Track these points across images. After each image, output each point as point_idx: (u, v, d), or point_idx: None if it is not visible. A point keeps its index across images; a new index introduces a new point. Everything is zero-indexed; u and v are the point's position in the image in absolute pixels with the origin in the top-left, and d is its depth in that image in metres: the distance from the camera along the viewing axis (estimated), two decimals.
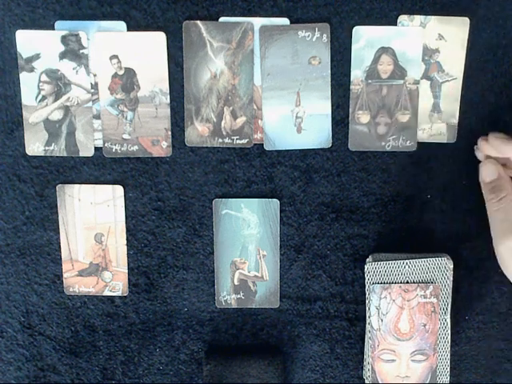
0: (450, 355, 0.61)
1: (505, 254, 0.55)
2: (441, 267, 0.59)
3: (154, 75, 0.61)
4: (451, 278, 0.59)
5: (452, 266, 0.59)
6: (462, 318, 0.65)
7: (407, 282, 0.59)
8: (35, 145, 0.62)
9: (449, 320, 0.60)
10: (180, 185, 0.63)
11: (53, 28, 0.60)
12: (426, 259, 0.59)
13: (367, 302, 0.60)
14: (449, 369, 0.61)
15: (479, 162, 0.61)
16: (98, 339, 0.66)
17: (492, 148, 0.58)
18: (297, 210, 0.63)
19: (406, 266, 0.59)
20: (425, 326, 0.59)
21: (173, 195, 0.63)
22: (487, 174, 0.58)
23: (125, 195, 0.63)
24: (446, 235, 0.63)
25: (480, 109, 0.61)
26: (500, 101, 0.61)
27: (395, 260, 0.59)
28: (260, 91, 0.61)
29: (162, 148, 0.62)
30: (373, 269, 0.59)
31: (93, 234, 0.64)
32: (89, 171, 0.63)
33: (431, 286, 0.59)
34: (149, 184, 0.63)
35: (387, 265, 0.59)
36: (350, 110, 0.61)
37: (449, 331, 0.60)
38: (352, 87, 0.61)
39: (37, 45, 0.60)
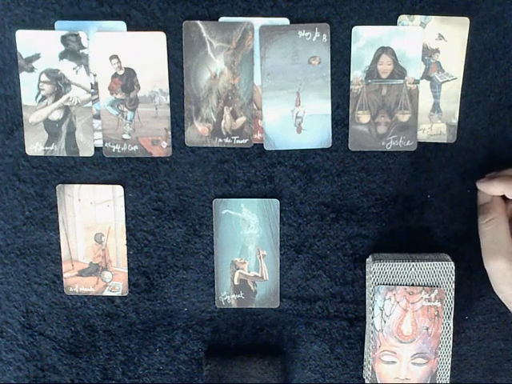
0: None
1: (493, 274, 0.56)
2: (446, 271, 0.59)
3: (154, 75, 0.61)
4: (454, 283, 0.59)
5: (454, 269, 0.59)
6: (461, 318, 0.64)
7: (412, 285, 0.59)
8: (35, 145, 0.62)
9: (452, 324, 0.59)
10: (180, 185, 0.63)
11: (53, 28, 0.60)
12: (432, 262, 0.59)
13: (370, 301, 0.60)
14: (449, 373, 0.61)
15: (479, 162, 0.61)
16: (97, 339, 0.66)
17: (489, 191, 0.59)
18: (297, 210, 0.63)
19: (412, 269, 0.59)
20: (427, 329, 0.59)
21: (173, 195, 0.63)
22: (480, 196, 0.60)
23: (125, 195, 0.63)
24: (446, 235, 0.63)
25: (480, 109, 0.61)
26: (500, 101, 0.61)
27: (396, 260, 0.59)
28: (260, 91, 0.61)
29: (162, 148, 0.62)
30: (378, 269, 0.59)
31: (93, 234, 0.64)
32: (89, 171, 0.63)
33: (436, 290, 0.59)
34: (149, 184, 0.63)
35: (393, 266, 0.59)
36: (350, 109, 0.61)
37: (451, 336, 0.60)
38: (352, 87, 0.61)
39: (37, 45, 0.60)
